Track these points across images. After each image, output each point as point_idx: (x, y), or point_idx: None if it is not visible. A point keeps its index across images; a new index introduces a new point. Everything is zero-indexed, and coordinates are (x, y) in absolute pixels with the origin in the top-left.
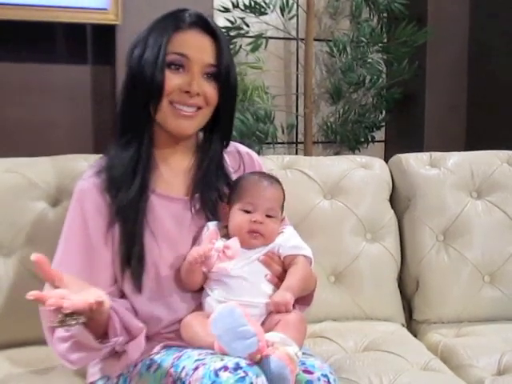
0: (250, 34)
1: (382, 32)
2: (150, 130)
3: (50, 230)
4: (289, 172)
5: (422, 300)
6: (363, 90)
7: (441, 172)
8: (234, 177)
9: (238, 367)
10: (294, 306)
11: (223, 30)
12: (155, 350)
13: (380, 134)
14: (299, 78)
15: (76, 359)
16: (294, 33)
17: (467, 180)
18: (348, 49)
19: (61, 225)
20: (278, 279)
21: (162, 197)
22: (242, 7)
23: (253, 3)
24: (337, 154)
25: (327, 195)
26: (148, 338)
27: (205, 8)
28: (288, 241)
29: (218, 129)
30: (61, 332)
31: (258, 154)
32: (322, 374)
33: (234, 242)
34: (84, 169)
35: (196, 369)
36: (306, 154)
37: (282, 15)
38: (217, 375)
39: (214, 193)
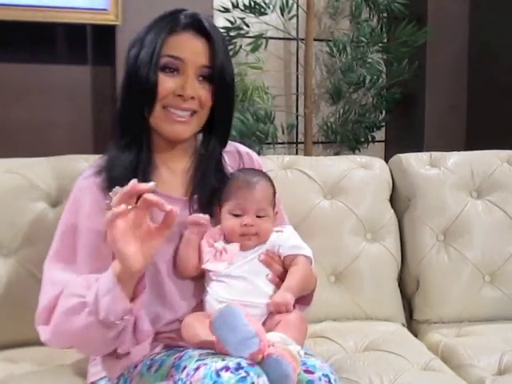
0: (250, 35)
1: (381, 32)
2: (148, 134)
3: (49, 230)
4: (289, 172)
5: (422, 300)
6: (363, 90)
7: (441, 172)
8: None
9: (239, 367)
10: (294, 305)
11: (223, 31)
12: (156, 351)
13: (380, 134)
14: (299, 78)
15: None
16: (293, 33)
17: (467, 180)
18: (348, 49)
19: None
20: (280, 279)
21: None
22: (242, 7)
23: (253, 3)
24: (337, 154)
25: (327, 195)
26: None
27: (204, 8)
28: (288, 240)
29: (216, 129)
30: (71, 301)
31: (259, 154)
32: (323, 374)
33: (233, 247)
34: (84, 169)
35: (197, 369)
36: (306, 154)
37: (282, 15)
38: (218, 375)
39: (212, 193)
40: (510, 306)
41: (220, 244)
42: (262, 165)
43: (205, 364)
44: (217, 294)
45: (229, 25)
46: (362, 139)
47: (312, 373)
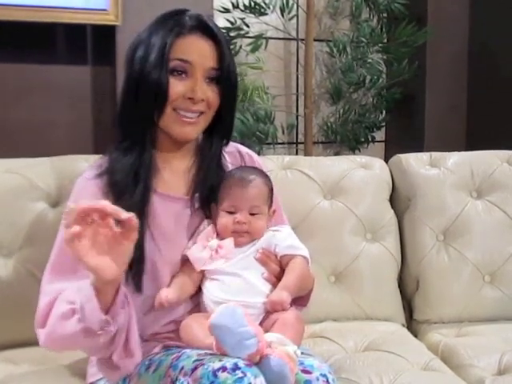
0: (250, 35)
1: (381, 32)
2: (153, 134)
3: (49, 230)
4: (289, 172)
5: (422, 300)
6: (363, 90)
7: (441, 172)
8: None
9: (236, 368)
10: (291, 305)
11: (223, 31)
12: (155, 351)
13: (380, 134)
14: (299, 78)
15: (69, 338)
16: (294, 33)
17: (467, 180)
18: (348, 49)
19: None
20: (276, 278)
21: (163, 196)
22: (242, 8)
23: (253, 4)
24: (337, 154)
25: (327, 195)
26: (147, 339)
27: (205, 9)
28: (285, 240)
29: (219, 129)
30: (63, 307)
31: (259, 154)
32: (321, 374)
33: (228, 243)
34: (84, 169)
35: (195, 369)
36: (306, 155)
37: (282, 15)
38: (215, 376)
39: (213, 192)
40: (509, 306)
41: (214, 242)
42: (263, 165)
43: (202, 364)
44: (212, 295)
45: (229, 25)
46: (362, 139)
47: (310, 373)
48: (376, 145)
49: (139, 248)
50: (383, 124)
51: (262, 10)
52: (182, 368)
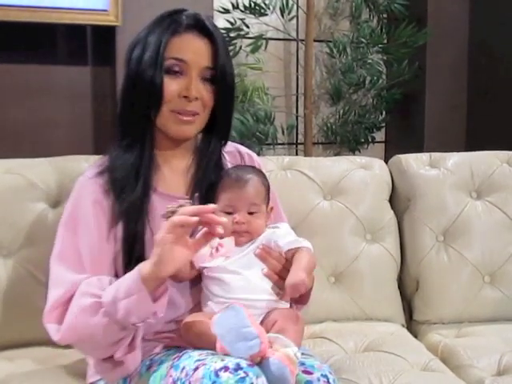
0: (250, 35)
1: (381, 33)
2: (151, 133)
3: (49, 230)
4: (289, 173)
5: (422, 300)
6: (363, 90)
7: (440, 172)
8: None
9: (238, 368)
10: (291, 305)
11: (223, 32)
12: (156, 351)
13: (380, 135)
14: (299, 78)
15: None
16: (293, 34)
17: (467, 180)
18: (348, 50)
19: None
20: (277, 275)
21: (163, 195)
22: (242, 8)
23: (253, 4)
24: (337, 154)
25: (327, 196)
26: (149, 339)
27: (204, 9)
28: (285, 236)
29: (217, 128)
30: (86, 300)
31: (258, 154)
32: (322, 375)
33: (228, 241)
34: (84, 169)
35: (196, 369)
36: (306, 155)
37: (282, 16)
38: (217, 375)
39: (213, 192)
40: (509, 307)
41: (215, 240)
42: (263, 166)
43: (204, 364)
44: (213, 293)
45: (229, 26)
46: (362, 140)
47: (310, 373)
48: (376, 145)
49: (140, 244)
50: (383, 125)
51: (262, 11)
52: (184, 368)
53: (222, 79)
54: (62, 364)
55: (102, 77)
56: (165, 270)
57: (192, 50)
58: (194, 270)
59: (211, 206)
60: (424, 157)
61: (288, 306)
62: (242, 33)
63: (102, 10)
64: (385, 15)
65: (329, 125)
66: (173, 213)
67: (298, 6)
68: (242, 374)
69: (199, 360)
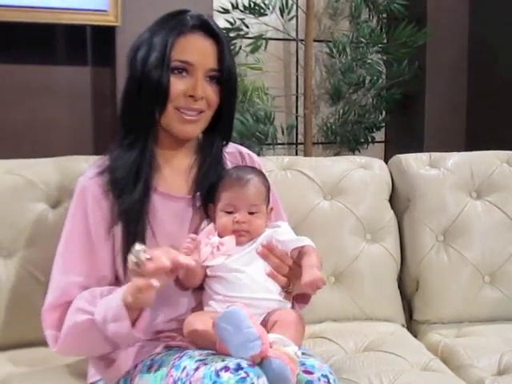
0: (250, 35)
1: (381, 33)
2: (154, 132)
3: (50, 231)
4: (289, 173)
5: (422, 300)
6: (363, 90)
7: (440, 172)
8: None
9: (239, 368)
10: (293, 305)
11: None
12: (157, 351)
13: (380, 135)
14: (299, 78)
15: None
16: (293, 34)
17: (467, 180)
18: (348, 49)
19: (61, 226)
20: (279, 273)
21: (164, 195)
22: (242, 8)
23: (252, 4)
24: (337, 154)
25: (327, 196)
26: (150, 339)
27: (204, 9)
28: (287, 235)
29: (219, 128)
30: (80, 317)
31: (258, 154)
32: (322, 375)
33: (229, 240)
34: (84, 170)
35: (197, 369)
36: (305, 155)
37: (282, 16)
38: (218, 375)
39: (213, 191)
40: (509, 307)
41: (215, 239)
42: (263, 166)
43: (205, 364)
44: (214, 292)
45: (228, 26)
46: (362, 140)
47: (311, 373)
48: (376, 145)
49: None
50: (383, 124)
51: (262, 11)
52: (184, 368)
53: (227, 79)
54: (62, 364)
55: (101, 77)
56: (148, 304)
57: (198, 50)
58: (201, 275)
59: (166, 263)
60: (424, 157)
61: (289, 306)
62: (242, 33)
63: (101, 11)
64: (384, 15)
65: (329, 125)
66: (137, 264)
67: (297, 6)
68: (243, 374)
69: (200, 360)
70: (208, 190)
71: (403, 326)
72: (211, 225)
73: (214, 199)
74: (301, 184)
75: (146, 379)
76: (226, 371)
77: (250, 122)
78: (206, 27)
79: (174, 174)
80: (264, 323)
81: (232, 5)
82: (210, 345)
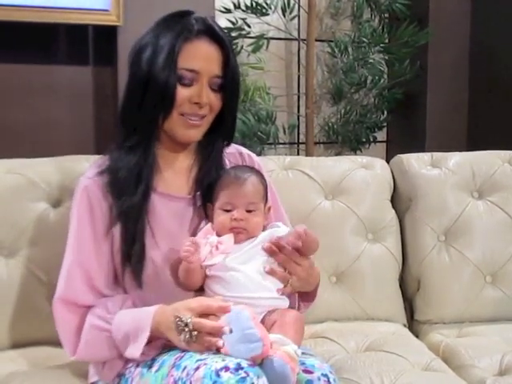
0: (252, 35)
1: (383, 32)
2: (156, 135)
3: (51, 230)
4: (290, 172)
5: (423, 300)
6: (365, 90)
7: (442, 172)
8: None
9: (239, 368)
10: (299, 306)
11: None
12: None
13: (382, 135)
14: (301, 78)
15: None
16: (295, 33)
17: (468, 180)
18: (349, 49)
19: (62, 225)
20: (284, 268)
21: (164, 195)
22: (244, 8)
23: (254, 4)
24: (338, 154)
25: (328, 195)
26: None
27: (206, 9)
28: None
29: (221, 130)
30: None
31: (260, 154)
32: (322, 374)
33: (227, 238)
34: (85, 170)
35: (197, 369)
36: (307, 155)
37: (284, 16)
38: (218, 375)
39: (213, 190)
40: (511, 307)
41: (214, 238)
42: (263, 167)
43: (205, 364)
44: (214, 293)
45: (230, 25)
46: (364, 139)
47: (311, 372)
48: (377, 145)
49: (140, 243)
50: (384, 124)
51: (264, 11)
52: (185, 367)
53: (231, 85)
54: (63, 364)
55: (103, 77)
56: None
57: (203, 57)
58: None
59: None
60: (425, 156)
61: (288, 302)
62: (244, 32)
63: (103, 10)
64: (386, 15)
65: (330, 124)
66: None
67: (299, 6)
68: (243, 374)
69: (200, 360)
70: (208, 190)
71: (404, 325)
72: (209, 224)
73: (212, 198)
74: (302, 184)
75: (147, 379)
76: (226, 371)
77: (251, 122)
78: (211, 32)
79: (175, 175)
80: (263, 322)
81: (234, 4)
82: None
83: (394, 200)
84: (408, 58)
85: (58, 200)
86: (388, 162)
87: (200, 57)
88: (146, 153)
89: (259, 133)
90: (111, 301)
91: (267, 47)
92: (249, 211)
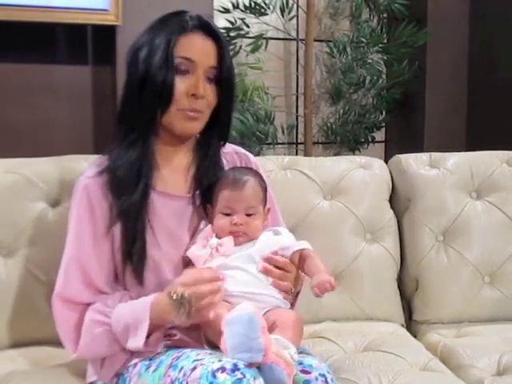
0: (250, 35)
1: (382, 32)
2: (155, 130)
3: (50, 230)
4: (289, 172)
5: (421, 300)
6: (363, 90)
7: (440, 172)
8: None
9: (235, 368)
10: (292, 305)
11: (223, 31)
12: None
13: (380, 135)
14: (299, 78)
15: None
16: (294, 33)
17: (467, 180)
18: (348, 49)
19: (61, 225)
20: (283, 281)
21: (163, 194)
22: (242, 8)
23: (253, 4)
24: (337, 154)
25: (327, 195)
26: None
27: (205, 9)
28: (288, 240)
29: (216, 129)
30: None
31: (258, 154)
32: (320, 374)
33: (227, 240)
34: (84, 169)
35: (194, 369)
36: (306, 155)
37: (282, 16)
38: (214, 376)
39: (211, 191)
40: (509, 307)
41: (214, 240)
42: (260, 167)
43: (202, 364)
44: None
45: (229, 25)
46: (362, 140)
47: (309, 373)
48: (376, 145)
49: (140, 241)
50: (383, 124)
51: (262, 11)
52: (182, 368)
53: (226, 79)
54: (62, 364)
55: (102, 76)
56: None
57: (199, 49)
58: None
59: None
60: (424, 157)
61: (288, 306)
62: (242, 32)
63: (102, 10)
64: (385, 15)
65: (329, 124)
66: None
67: (298, 6)
68: (239, 375)
69: (197, 360)
70: (206, 190)
71: (403, 325)
72: (209, 226)
73: (212, 200)
74: (301, 184)
75: (145, 379)
76: (222, 372)
77: (250, 122)
78: (205, 27)
79: (173, 173)
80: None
81: (232, 4)
82: (214, 336)
83: (393, 200)
84: (406, 58)
85: (57, 200)
86: (386, 162)
87: (195, 48)
88: (144, 150)
89: (258, 133)
90: (111, 298)
91: (266, 47)
92: (248, 215)
